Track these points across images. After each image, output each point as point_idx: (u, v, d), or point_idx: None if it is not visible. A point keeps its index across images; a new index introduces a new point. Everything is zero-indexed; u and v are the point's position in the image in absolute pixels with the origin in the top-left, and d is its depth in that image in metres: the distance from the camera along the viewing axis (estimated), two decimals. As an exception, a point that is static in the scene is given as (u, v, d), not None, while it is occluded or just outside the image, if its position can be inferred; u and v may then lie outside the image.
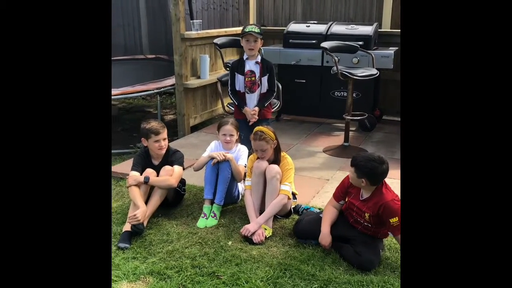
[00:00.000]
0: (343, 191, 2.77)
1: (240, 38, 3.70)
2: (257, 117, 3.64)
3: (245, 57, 3.66)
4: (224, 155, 3.15)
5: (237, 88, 3.71)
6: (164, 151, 3.16)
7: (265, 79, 3.66)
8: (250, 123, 3.62)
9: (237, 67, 3.70)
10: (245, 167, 3.25)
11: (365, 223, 2.64)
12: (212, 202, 3.16)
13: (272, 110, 4.14)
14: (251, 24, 3.62)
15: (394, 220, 2.48)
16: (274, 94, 3.75)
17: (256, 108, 3.65)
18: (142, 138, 3.14)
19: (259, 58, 3.64)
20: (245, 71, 3.63)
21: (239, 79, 3.67)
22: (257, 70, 3.62)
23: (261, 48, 3.69)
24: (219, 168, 3.19)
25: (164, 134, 3.12)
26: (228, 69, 5.05)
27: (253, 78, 3.62)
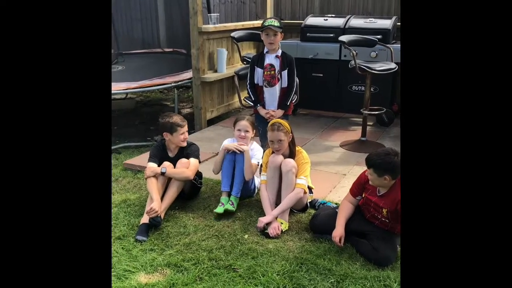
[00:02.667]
0: (360, 187, 2.75)
1: (258, 32, 3.68)
2: (274, 116, 3.54)
3: (265, 50, 3.63)
4: (239, 147, 3.16)
5: (255, 82, 3.70)
6: (186, 143, 3.20)
7: (285, 73, 3.60)
8: (267, 117, 3.60)
9: (257, 60, 3.67)
10: (258, 164, 3.25)
11: (383, 219, 2.62)
12: (229, 195, 3.18)
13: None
14: (271, 18, 3.59)
15: (412, 215, 2.45)
16: (294, 90, 3.66)
17: (270, 112, 3.58)
18: (165, 133, 3.16)
19: (279, 52, 3.60)
20: (265, 65, 3.60)
21: (258, 73, 3.65)
22: (277, 64, 3.58)
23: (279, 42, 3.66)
24: (236, 160, 3.20)
25: (186, 126, 3.21)
26: (245, 62, 5.08)
27: (272, 72, 3.59)
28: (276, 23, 3.48)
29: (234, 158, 3.21)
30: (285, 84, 3.62)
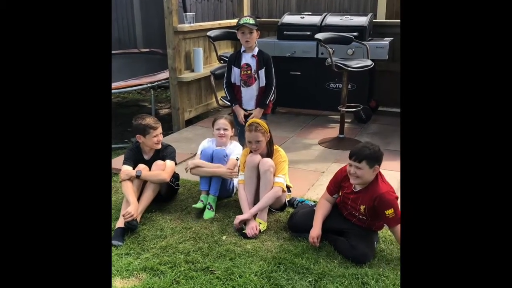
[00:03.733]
0: (337, 185, 2.75)
1: (234, 31, 3.64)
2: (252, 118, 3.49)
3: (242, 49, 3.60)
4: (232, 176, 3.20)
5: (232, 81, 3.66)
6: (160, 146, 3.16)
7: (262, 73, 3.55)
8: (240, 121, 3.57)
9: (234, 59, 3.63)
10: (237, 159, 3.24)
11: (360, 216, 2.62)
12: (208, 193, 3.17)
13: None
14: (246, 16, 3.55)
15: (390, 211, 2.46)
16: (273, 89, 3.62)
17: (253, 114, 3.55)
18: (138, 135, 3.11)
19: (256, 51, 3.56)
20: (241, 64, 3.57)
21: (235, 72, 3.61)
22: (253, 63, 3.54)
23: (256, 40, 3.62)
24: (213, 159, 3.18)
25: (160, 128, 3.15)
26: (222, 62, 5.03)
27: (248, 72, 3.55)
28: (251, 21, 3.45)
29: (212, 154, 3.18)
30: (263, 83, 3.58)
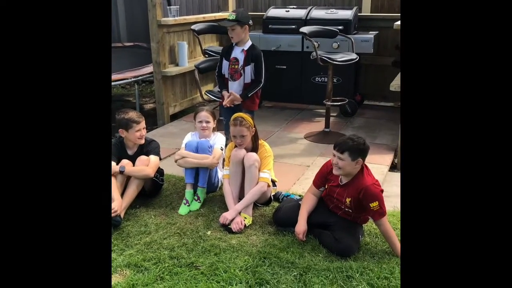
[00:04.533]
0: (323, 178, 2.75)
1: (218, 24, 3.61)
2: (232, 104, 3.49)
3: (234, 43, 3.56)
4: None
5: (223, 72, 3.62)
6: (143, 140, 3.12)
7: (248, 69, 3.49)
8: (224, 105, 3.51)
9: (226, 52, 3.60)
10: (222, 150, 3.22)
11: (346, 209, 2.63)
12: (193, 187, 3.15)
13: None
14: (232, 12, 3.51)
15: (374, 204, 2.47)
16: (261, 85, 3.55)
17: (233, 92, 3.50)
18: (120, 129, 3.07)
19: (247, 46, 3.51)
20: (230, 58, 3.54)
21: (224, 65, 3.58)
22: (241, 58, 3.50)
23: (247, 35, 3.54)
24: (198, 150, 3.16)
25: (144, 122, 3.12)
26: (206, 55, 4.99)
27: (236, 66, 3.51)
28: (232, 16, 3.41)
29: (196, 146, 3.16)
30: (248, 79, 3.52)
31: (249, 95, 3.52)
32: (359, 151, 2.50)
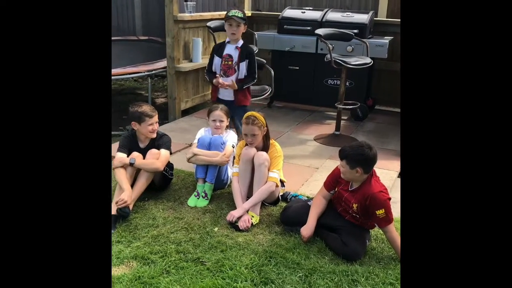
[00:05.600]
0: (334, 180, 2.74)
1: None
2: (227, 87, 3.53)
3: (227, 40, 3.64)
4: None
5: (213, 70, 3.68)
6: (155, 134, 3.14)
7: (243, 65, 3.58)
8: (215, 84, 3.56)
9: (217, 49, 3.68)
10: (233, 147, 3.24)
11: (353, 214, 2.63)
12: (204, 181, 3.17)
13: (263, 96, 4.09)
14: (235, 9, 3.58)
15: (381, 212, 2.46)
16: (255, 80, 3.66)
17: (232, 80, 3.54)
18: (133, 122, 3.09)
19: (240, 43, 3.60)
20: (223, 54, 3.60)
21: (216, 61, 3.65)
22: (235, 55, 3.58)
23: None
24: (210, 146, 3.19)
25: (156, 117, 3.13)
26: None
27: (229, 62, 3.59)
28: (240, 14, 3.51)
29: (209, 142, 3.18)
30: (242, 75, 3.61)
31: (244, 87, 3.60)
32: (357, 161, 2.49)
